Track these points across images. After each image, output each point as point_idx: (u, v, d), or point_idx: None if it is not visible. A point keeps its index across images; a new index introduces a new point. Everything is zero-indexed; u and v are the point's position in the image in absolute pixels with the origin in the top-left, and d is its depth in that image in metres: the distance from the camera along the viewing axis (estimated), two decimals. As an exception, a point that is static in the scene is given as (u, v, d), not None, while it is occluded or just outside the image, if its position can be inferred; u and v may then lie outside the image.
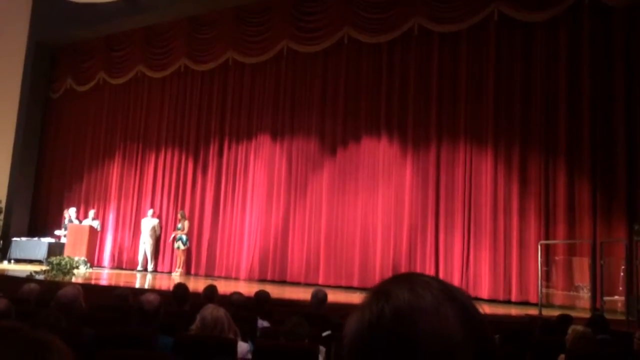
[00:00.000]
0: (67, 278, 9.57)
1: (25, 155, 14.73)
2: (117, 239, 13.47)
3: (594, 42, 8.79)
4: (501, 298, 8.84)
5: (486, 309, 7.31)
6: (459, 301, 0.66)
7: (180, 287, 5.22)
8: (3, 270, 10.89)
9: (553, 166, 8.90)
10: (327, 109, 11.09)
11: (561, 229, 8.66)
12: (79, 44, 14.61)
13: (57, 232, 13.22)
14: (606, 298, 7.51)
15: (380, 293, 0.67)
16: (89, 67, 14.45)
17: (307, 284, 10.21)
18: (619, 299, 7.53)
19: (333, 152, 10.89)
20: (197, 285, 8.04)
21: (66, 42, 14.81)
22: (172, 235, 12.19)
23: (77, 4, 13.63)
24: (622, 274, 7.61)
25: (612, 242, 8.06)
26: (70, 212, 13.16)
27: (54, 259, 10.12)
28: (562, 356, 3.53)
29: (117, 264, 13.24)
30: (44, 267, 10.23)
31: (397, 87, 10.37)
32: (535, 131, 9.06)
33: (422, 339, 0.62)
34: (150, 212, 12.64)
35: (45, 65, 15.15)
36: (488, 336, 0.66)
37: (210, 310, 3.45)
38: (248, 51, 11.92)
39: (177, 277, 11.38)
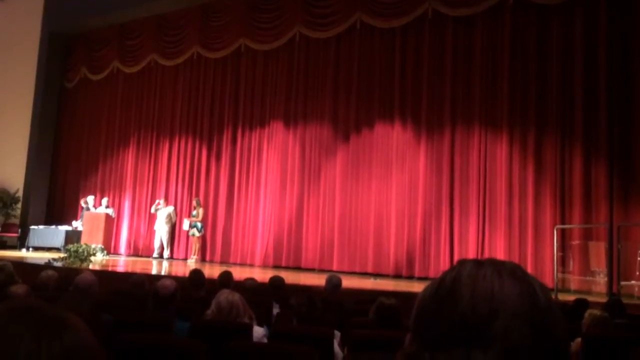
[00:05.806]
0: (84, 265, 9.71)
1: (41, 145, 14.86)
2: (132, 227, 13.59)
3: (611, 24, 8.62)
4: (516, 283, 8.77)
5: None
6: (527, 279, 0.68)
7: (196, 273, 5.26)
8: (22, 257, 11.05)
9: (569, 150, 8.79)
10: (340, 95, 11.04)
11: (577, 213, 8.57)
12: (92, 33, 14.65)
13: (74, 223, 13.34)
14: (623, 283, 7.44)
15: (449, 269, 0.72)
16: (102, 56, 14.50)
17: (321, 270, 10.24)
18: (635, 283, 7.46)
19: (346, 138, 10.86)
20: (212, 271, 8.09)
21: (80, 32, 14.86)
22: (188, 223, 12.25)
23: (90, -8, 13.67)
24: (639, 258, 7.54)
25: (630, 226, 7.97)
26: (88, 200, 13.30)
27: (72, 247, 10.25)
28: (579, 340, 3.51)
29: (133, 251, 13.38)
30: (61, 255, 10.37)
31: (410, 72, 10.29)
32: (551, 115, 8.95)
33: (473, 298, 0.65)
34: (162, 200, 12.65)
35: (60, 54, 15.22)
36: (554, 313, 0.66)
37: (225, 295, 3.47)
38: (260, 38, 11.89)
39: (192, 263, 11.46)
